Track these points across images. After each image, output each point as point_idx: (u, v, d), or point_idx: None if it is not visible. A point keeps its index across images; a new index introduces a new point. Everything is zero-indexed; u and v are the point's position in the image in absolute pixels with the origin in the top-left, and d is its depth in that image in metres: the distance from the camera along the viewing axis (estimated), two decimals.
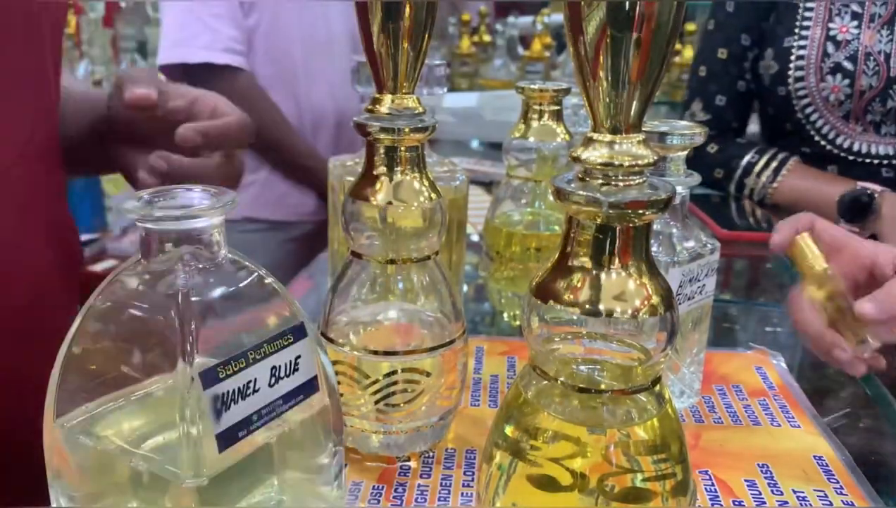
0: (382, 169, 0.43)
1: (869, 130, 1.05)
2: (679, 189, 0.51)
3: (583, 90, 0.29)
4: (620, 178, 0.29)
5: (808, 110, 1.06)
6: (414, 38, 0.41)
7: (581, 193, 0.29)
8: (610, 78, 0.28)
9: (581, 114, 0.83)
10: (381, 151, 0.43)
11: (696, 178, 0.50)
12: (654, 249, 0.51)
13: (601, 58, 0.28)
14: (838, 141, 1.06)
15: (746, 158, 1.12)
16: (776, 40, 1.08)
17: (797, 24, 1.06)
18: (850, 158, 1.06)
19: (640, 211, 0.29)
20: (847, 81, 1.03)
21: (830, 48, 1.03)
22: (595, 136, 0.29)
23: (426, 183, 0.44)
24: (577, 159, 0.29)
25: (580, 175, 0.30)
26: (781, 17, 1.08)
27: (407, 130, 0.42)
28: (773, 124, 1.15)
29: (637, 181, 0.29)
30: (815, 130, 1.07)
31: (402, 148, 0.43)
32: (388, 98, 0.43)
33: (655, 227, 0.52)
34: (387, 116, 0.43)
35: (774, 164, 1.09)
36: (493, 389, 0.58)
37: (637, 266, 0.30)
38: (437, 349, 0.45)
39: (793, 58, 1.05)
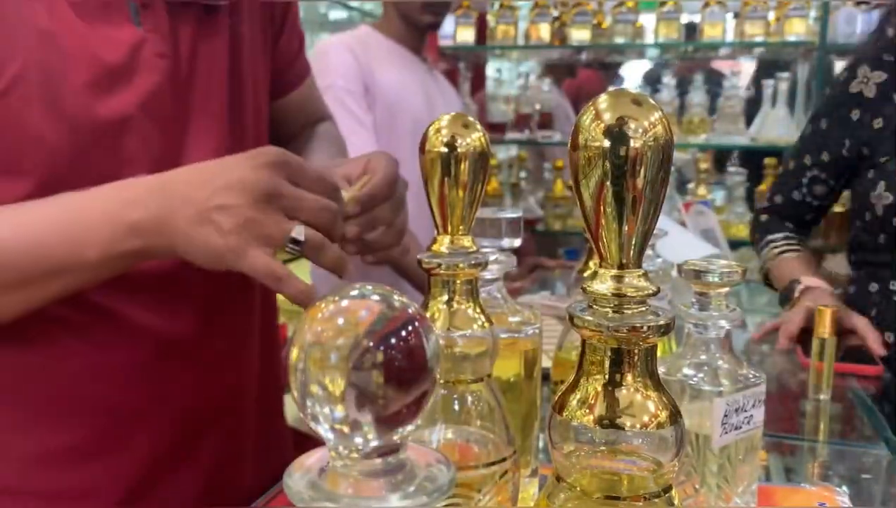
0: (442, 299, 0.49)
1: None
2: (722, 323, 0.54)
3: (588, 232, 0.34)
4: (625, 306, 0.34)
5: None
6: (469, 187, 0.48)
7: (589, 319, 0.34)
8: (611, 222, 0.33)
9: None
10: (440, 283, 0.49)
11: (738, 313, 0.53)
12: (698, 378, 0.54)
13: (602, 206, 0.33)
14: None
15: (771, 236, 1.40)
16: (887, 174, 1.20)
17: None
18: None
19: (643, 335, 0.33)
20: None
21: None
22: (601, 271, 0.34)
23: (478, 312, 0.49)
24: (586, 291, 0.34)
25: (590, 303, 0.35)
26: (888, 150, 1.21)
27: (462, 265, 0.48)
28: (875, 246, 1.26)
29: (640, 309, 0.34)
30: None
31: (459, 281, 0.49)
32: (446, 238, 0.49)
33: (702, 358, 0.55)
34: (445, 254, 0.49)
35: (784, 247, 1.36)
36: None
37: (643, 384, 0.34)
38: (487, 466, 0.49)
39: None
